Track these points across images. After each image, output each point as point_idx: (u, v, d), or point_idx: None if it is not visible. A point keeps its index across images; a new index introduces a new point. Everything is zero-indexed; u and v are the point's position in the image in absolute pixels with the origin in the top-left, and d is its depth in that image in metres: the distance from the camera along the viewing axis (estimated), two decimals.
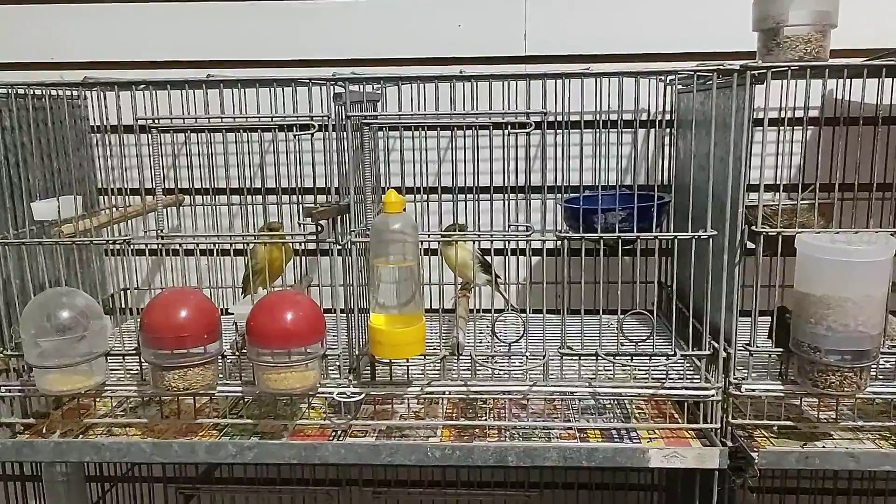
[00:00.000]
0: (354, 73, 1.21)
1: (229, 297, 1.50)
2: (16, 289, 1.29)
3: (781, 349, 1.22)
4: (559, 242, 1.24)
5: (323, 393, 1.26)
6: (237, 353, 1.30)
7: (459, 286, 1.50)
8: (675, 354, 1.25)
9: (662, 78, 1.48)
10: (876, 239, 1.15)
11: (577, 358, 1.27)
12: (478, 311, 1.45)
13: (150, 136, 1.23)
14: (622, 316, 1.25)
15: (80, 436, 1.28)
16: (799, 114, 1.42)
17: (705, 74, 1.18)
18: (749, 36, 1.24)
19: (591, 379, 1.27)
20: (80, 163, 1.52)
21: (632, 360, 1.27)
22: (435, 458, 1.20)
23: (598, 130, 1.46)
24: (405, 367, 1.28)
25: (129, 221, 1.49)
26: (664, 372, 1.28)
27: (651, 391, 1.26)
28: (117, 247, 1.33)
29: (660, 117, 1.57)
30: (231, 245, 1.43)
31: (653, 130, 1.61)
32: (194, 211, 1.46)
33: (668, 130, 1.56)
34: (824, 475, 1.78)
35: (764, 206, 1.18)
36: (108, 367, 1.28)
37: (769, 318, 1.27)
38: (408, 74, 1.24)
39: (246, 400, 1.37)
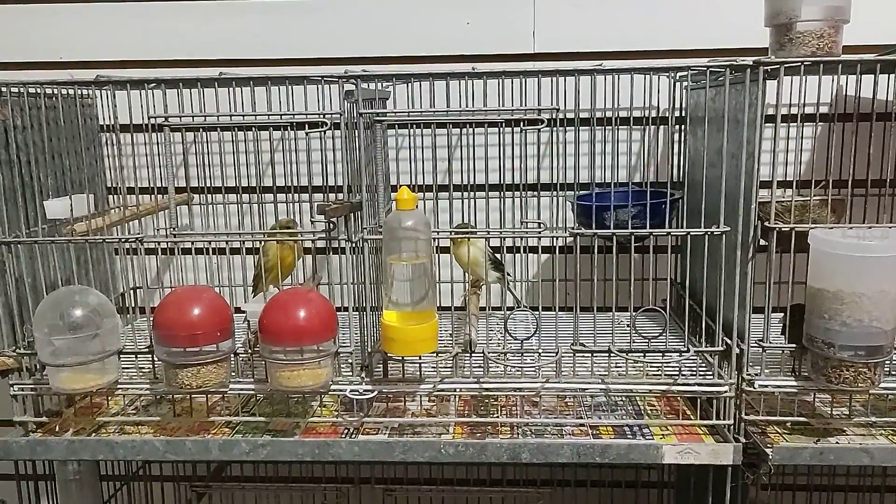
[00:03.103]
0: (365, 70, 1.22)
1: (241, 294, 1.50)
2: (27, 287, 1.29)
3: (794, 345, 1.22)
4: (571, 239, 1.24)
5: (335, 390, 1.26)
6: (250, 351, 1.30)
7: (470, 283, 1.50)
8: (687, 351, 1.25)
9: (673, 74, 1.47)
10: (889, 234, 1.15)
11: (589, 355, 1.27)
12: (488, 308, 1.45)
13: (161, 134, 1.23)
14: (634, 313, 1.25)
15: (93, 434, 1.29)
16: (811, 110, 1.42)
17: (717, 70, 1.18)
18: (761, 32, 1.24)
19: (604, 376, 1.27)
20: (90, 161, 1.52)
21: (644, 356, 1.26)
22: (448, 455, 1.20)
23: (606, 127, 1.46)
24: (417, 365, 1.28)
25: (140, 220, 1.49)
26: (677, 368, 1.28)
27: (664, 388, 1.26)
28: (129, 245, 1.33)
29: (671, 114, 1.57)
30: (242, 243, 1.43)
31: (664, 127, 1.61)
32: (205, 209, 1.46)
33: (679, 127, 1.55)
34: (836, 471, 1.77)
35: (776, 202, 1.18)
36: (120, 366, 1.29)
37: (782, 314, 1.27)
38: (419, 72, 1.24)
39: (258, 398, 1.37)
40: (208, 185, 1.45)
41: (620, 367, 1.28)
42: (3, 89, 1.26)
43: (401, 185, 1.17)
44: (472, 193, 1.43)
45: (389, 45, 1.69)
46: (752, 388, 1.21)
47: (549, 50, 1.67)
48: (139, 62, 1.71)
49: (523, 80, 1.24)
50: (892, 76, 1.29)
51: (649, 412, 1.31)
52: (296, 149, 1.29)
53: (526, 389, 1.28)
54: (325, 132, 1.20)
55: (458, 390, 1.29)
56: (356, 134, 1.20)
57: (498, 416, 1.30)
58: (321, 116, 1.21)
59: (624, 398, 1.36)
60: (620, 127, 1.62)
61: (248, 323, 1.31)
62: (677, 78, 1.51)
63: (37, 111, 1.29)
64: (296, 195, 1.37)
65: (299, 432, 1.26)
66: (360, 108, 1.19)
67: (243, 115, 1.30)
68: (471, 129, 1.48)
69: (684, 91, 1.54)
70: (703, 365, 1.30)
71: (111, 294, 1.37)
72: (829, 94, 1.44)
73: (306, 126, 1.27)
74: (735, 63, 1.15)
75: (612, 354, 1.25)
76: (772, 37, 1.22)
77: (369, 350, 1.28)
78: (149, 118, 1.23)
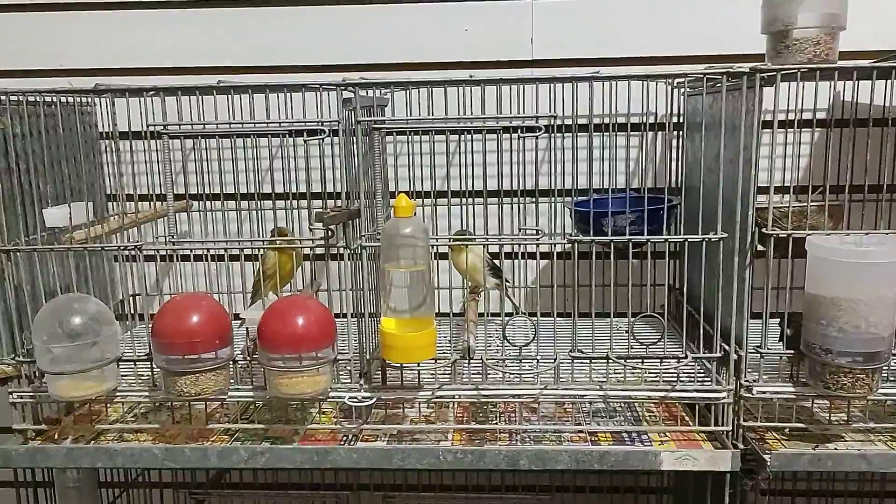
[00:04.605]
0: (363, 78, 1.22)
1: (240, 301, 1.50)
2: (27, 295, 1.29)
3: (792, 351, 1.22)
4: (569, 246, 1.24)
5: (334, 397, 1.27)
6: (248, 358, 1.30)
7: (469, 290, 1.50)
8: (685, 357, 1.25)
9: (670, 81, 1.48)
10: (886, 240, 1.15)
11: (587, 361, 1.27)
12: (487, 314, 1.45)
13: (160, 142, 1.23)
14: (633, 319, 1.25)
15: (92, 441, 1.29)
16: (808, 116, 1.43)
17: (714, 77, 1.18)
18: (758, 38, 1.24)
19: (602, 382, 1.27)
20: (89, 169, 1.52)
21: (643, 363, 1.27)
22: (447, 462, 1.21)
23: (604, 134, 1.46)
24: (416, 371, 1.28)
25: (139, 227, 1.49)
26: (675, 375, 1.28)
27: (662, 394, 1.26)
28: (128, 252, 1.33)
29: (668, 120, 1.57)
30: (241, 250, 1.43)
31: (661, 133, 1.61)
32: (204, 216, 1.46)
33: (676, 133, 1.56)
34: (835, 477, 1.77)
35: (773, 208, 1.18)
36: (119, 373, 1.29)
37: (779, 320, 1.27)
38: (417, 79, 1.24)
39: (257, 405, 1.37)
40: (207, 192, 1.45)
41: (619, 373, 1.29)
42: (3, 97, 1.26)
43: (399, 192, 1.17)
44: (470, 200, 1.43)
45: (387, 53, 1.69)
46: (750, 395, 1.22)
47: (547, 56, 1.68)
48: (138, 70, 1.72)
49: (521, 86, 1.25)
50: (888, 82, 1.29)
51: (648, 418, 1.31)
52: (294, 156, 1.29)
53: (524, 396, 1.28)
54: (323, 139, 1.20)
55: (456, 397, 1.29)
56: (354, 141, 1.21)
57: (496, 423, 1.30)
58: (319, 124, 1.22)
59: (622, 404, 1.36)
60: (618, 133, 1.62)
61: (247, 330, 1.31)
62: (675, 84, 1.51)
63: (36, 119, 1.29)
64: (294, 202, 1.37)
65: (298, 439, 1.26)
66: (358, 116, 1.19)
67: (242, 123, 1.30)
68: (469, 136, 1.48)
69: (682, 97, 1.54)
70: (702, 371, 1.30)
71: (110, 301, 1.37)
72: (826, 101, 1.44)
73: (305, 133, 1.27)
74: (732, 70, 1.15)
75: (610, 361, 1.26)
76: (769, 43, 1.23)
77: (368, 357, 1.28)
78: (147, 126, 1.24)
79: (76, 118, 1.37)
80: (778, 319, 1.24)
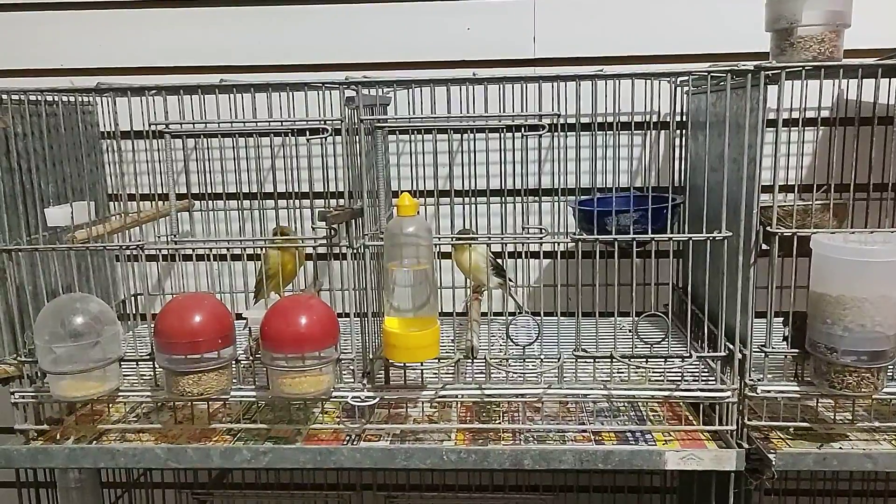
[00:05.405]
0: (366, 76, 1.21)
1: (242, 301, 1.50)
2: (28, 295, 1.29)
3: (797, 350, 1.21)
4: (572, 245, 1.24)
5: (337, 397, 1.26)
6: (251, 358, 1.30)
7: (472, 289, 1.50)
8: (690, 356, 1.25)
9: (674, 79, 1.47)
10: (891, 238, 1.14)
11: (591, 360, 1.27)
12: (490, 314, 1.45)
13: (162, 141, 1.23)
14: (636, 318, 1.25)
15: (94, 442, 1.28)
16: (812, 114, 1.42)
17: (718, 75, 1.18)
18: (762, 36, 1.24)
19: (606, 381, 1.27)
20: (91, 168, 1.52)
21: (646, 362, 1.26)
22: (451, 462, 1.20)
23: (608, 132, 1.46)
24: (419, 371, 1.28)
25: (141, 227, 1.49)
26: (679, 374, 1.27)
27: (666, 393, 1.25)
28: (130, 252, 1.33)
29: (672, 119, 1.57)
30: (243, 250, 1.42)
31: (665, 132, 1.60)
32: (206, 216, 1.46)
33: (680, 132, 1.55)
34: (839, 476, 1.77)
35: (778, 206, 1.18)
36: (121, 373, 1.28)
37: (784, 319, 1.26)
38: (420, 77, 1.24)
39: (259, 405, 1.36)
40: (209, 191, 1.45)
41: (623, 372, 1.28)
42: (4, 97, 1.26)
43: (402, 191, 1.17)
44: (473, 199, 1.43)
45: (390, 51, 1.69)
46: (754, 394, 1.21)
47: (549, 55, 1.67)
48: (140, 69, 1.71)
49: (524, 85, 1.24)
50: (893, 80, 1.28)
51: (652, 418, 1.31)
52: (297, 155, 1.29)
53: (528, 395, 1.27)
54: (325, 138, 1.20)
55: (459, 396, 1.29)
56: (357, 140, 1.20)
57: (500, 423, 1.29)
58: (322, 123, 1.21)
59: (626, 404, 1.35)
60: (621, 132, 1.62)
61: (250, 330, 1.31)
62: (678, 83, 1.51)
63: (37, 118, 1.29)
64: (297, 201, 1.36)
65: (301, 439, 1.26)
66: (360, 114, 1.19)
67: (244, 122, 1.30)
68: (472, 135, 1.48)
69: (685, 96, 1.53)
70: (706, 370, 1.30)
71: (112, 301, 1.37)
72: (831, 99, 1.44)
73: (307, 132, 1.27)
74: (736, 68, 1.15)
75: (614, 360, 1.25)
76: (773, 41, 1.22)
77: (371, 356, 1.27)
78: (149, 125, 1.24)
79: (78, 117, 1.37)
80: (782, 318, 1.24)
